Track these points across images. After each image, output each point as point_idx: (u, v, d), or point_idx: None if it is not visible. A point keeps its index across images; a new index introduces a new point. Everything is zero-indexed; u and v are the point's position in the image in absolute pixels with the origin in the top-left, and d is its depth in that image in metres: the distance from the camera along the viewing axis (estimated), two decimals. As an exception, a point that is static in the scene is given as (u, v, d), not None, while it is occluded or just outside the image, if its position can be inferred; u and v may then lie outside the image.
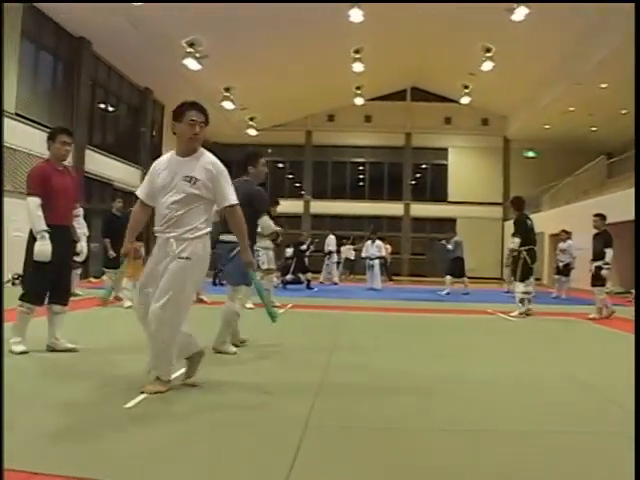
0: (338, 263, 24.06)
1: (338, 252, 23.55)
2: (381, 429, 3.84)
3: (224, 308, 6.65)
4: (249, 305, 10.97)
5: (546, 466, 3.22)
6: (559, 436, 3.79)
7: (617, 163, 26.19)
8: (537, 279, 12.73)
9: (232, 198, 4.66)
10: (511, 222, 12.69)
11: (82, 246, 7.05)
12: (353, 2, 18.83)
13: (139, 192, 4.77)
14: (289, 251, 19.51)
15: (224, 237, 6.51)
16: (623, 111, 25.12)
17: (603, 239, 11.68)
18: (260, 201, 6.77)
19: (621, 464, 3.21)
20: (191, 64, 20.89)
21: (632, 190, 18.68)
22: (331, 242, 20.31)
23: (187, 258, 4.43)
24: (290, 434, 3.53)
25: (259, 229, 7.02)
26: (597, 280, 11.67)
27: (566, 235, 18.04)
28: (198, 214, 4.52)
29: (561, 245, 18.00)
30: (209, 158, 4.67)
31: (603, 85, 22.47)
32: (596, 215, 12.09)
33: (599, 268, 11.55)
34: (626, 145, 27.22)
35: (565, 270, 17.71)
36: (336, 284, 19.27)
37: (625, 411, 4.31)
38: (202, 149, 4.69)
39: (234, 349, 6.50)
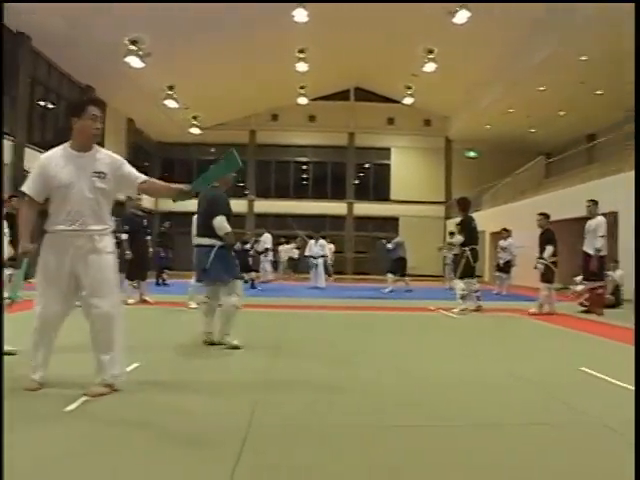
0: (275, 262, 24.07)
1: (274, 250, 23.56)
2: (322, 426, 3.91)
3: (223, 304, 6.92)
4: (193, 305, 10.98)
5: (483, 460, 3.35)
6: (502, 429, 3.94)
7: (555, 163, 26.88)
8: (478, 277, 13.02)
9: (141, 175, 4.76)
10: (453, 220, 12.96)
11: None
12: (298, 2, 18.92)
13: (29, 189, 4.53)
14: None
15: (201, 241, 6.89)
16: (561, 113, 25.85)
17: (546, 237, 12.05)
18: (216, 204, 6.94)
19: (569, 455, 3.40)
20: (133, 62, 20.62)
21: (568, 190, 19.25)
22: (267, 240, 20.33)
23: (111, 252, 4.53)
24: (232, 435, 3.57)
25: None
26: (545, 276, 11.99)
27: (507, 233, 18.46)
28: (108, 209, 4.60)
29: (502, 243, 18.41)
30: (105, 151, 4.68)
31: (541, 87, 23.04)
32: (540, 214, 12.46)
33: (553, 263, 11.92)
34: (563, 146, 28.02)
35: (506, 267, 18.14)
36: (270, 282, 19.29)
37: (569, 408, 4.49)
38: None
39: (237, 342, 6.77)
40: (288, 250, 26.53)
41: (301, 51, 24.13)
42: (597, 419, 4.12)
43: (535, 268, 12.26)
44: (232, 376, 5.46)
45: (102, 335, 4.46)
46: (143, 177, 4.74)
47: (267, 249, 20.57)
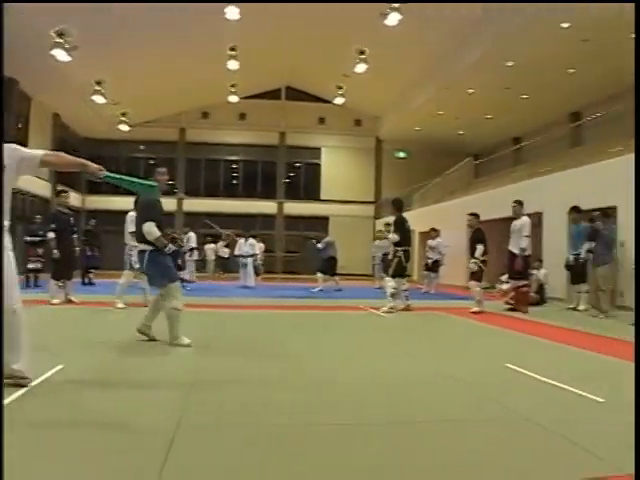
0: (200, 261, 23.79)
1: (198, 249, 23.24)
2: (254, 425, 3.86)
3: (165, 309, 6.95)
4: (120, 305, 10.78)
5: (411, 458, 3.37)
6: (431, 426, 3.97)
7: (483, 164, 27.40)
8: (408, 276, 13.17)
9: (39, 151, 4.67)
10: (382, 220, 13.09)
11: None
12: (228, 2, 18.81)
13: None
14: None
15: (138, 246, 7.02)
16: (488, 116, 26.36)
17: (477, 236, 12.25)
18: (146, 210, 7.01)
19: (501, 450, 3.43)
20: (60, 55, 20.02)
21: (495, 190, 19.65)
22: (192, 239, 20.09)
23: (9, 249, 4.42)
24: (161, 434, 3.50)
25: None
26: (475, 275, 12.19)
27: (435, 233, 18.74)
28: (7, 206, 4.48)
29: (430, 242, 18.67)
30: None
31: (470, 90, 23.45)
32: (470, 214, 12.67)
33: (483, 262, 12.11)
34: (491, 147, 28.61)
35: (434, 267, 18.41)
36: (192, 282, 19.04)
37: (497, 404, 4.55)
38: None
39: (188, 340, 6.83)
40: (216, 249, 26.32)
41: (232, 49, 23.88)
42: (525, 416, 4.17)
43: (469, 267, 12.42)
44: (161, 376, 5.35)
45: (19, 333, 4.37)
46: (40, 153, 4.62)
47: (192, 248, 20.31)
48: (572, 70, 20.40)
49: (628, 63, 18.71)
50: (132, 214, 11.07)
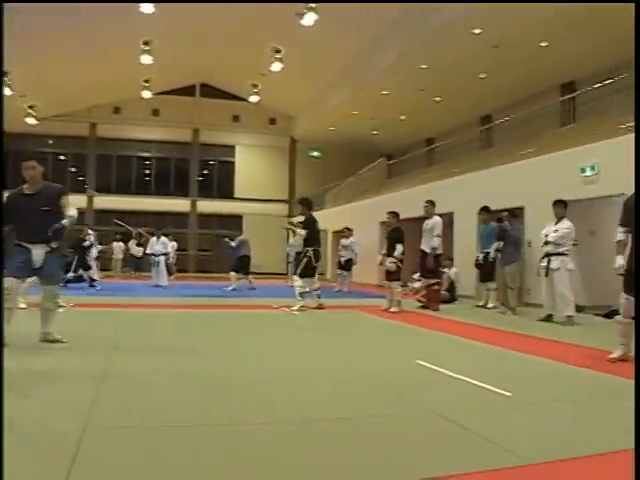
0: (97, 259, 23.02)
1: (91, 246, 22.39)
2: (158, 427, 3.77)
3: (45, 306, 6.73)
4: (22, 305, 10.36)
5: (317, 457, 3.33)
6: (343, 423, 3.92)
7: (396, 165, 27.76)
8: (321, 274, 13.19)
9: None
10: (295, 219, 13.05)
11: None
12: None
13: None
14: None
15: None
16: (402, 117, 26.74)
17: (396, 235, 12.29)
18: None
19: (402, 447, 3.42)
20: (-39, 44, 19.19)
21: (408, 190, 19.91)
22: (90, 237, 19.48)
23: None
24: (69, 436, 3.35)
25: None
26: (391, 274, 12.24)
27: (348, 232, 18.84)
28: None
29: (343, 241, 18.77)
30: None
31: (385, 91, 23.72)
32: (390, 213, 12.69)
33: (400, 261, 12.14)
34: (404, 148, 29.04)
35: (347, 265, 18.51)
36: (94, 281, 18.43)
37: (408, 400, 4.57)
38: None
39: (59, 336, 6.70)
40: (125, 248, 25.73)
41: (146, 43, 23.40)
42: (434, 411, 4.19)
43: (381, 265, 12.42)
44: (67, 378, 5.13)
45: None
46: None
47: (91, 245, 19.66)
48: (483, 75, 20.91)
49: (537, 69, 19.44)
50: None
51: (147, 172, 34.53)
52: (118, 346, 6.83)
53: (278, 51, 23.66)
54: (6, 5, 14.37)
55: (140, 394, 4.55)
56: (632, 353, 6.05)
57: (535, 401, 4.61)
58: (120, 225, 21.63)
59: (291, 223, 13.89)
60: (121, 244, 25.86)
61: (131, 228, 20.73)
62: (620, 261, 6.31)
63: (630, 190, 6.40)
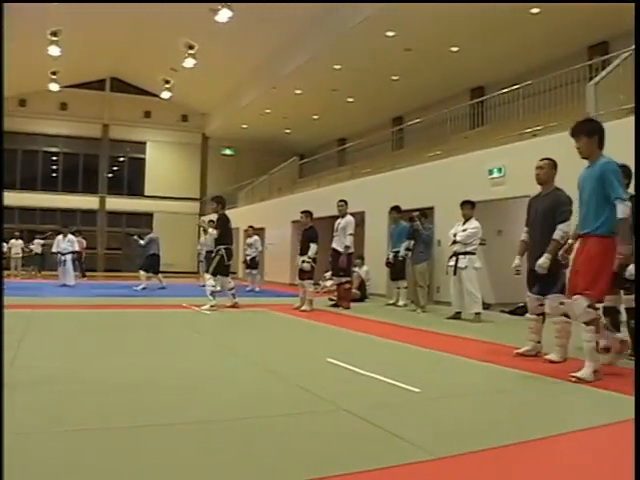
0: None
1: None
2: (74, 431, 3.65)
3: None
4: None
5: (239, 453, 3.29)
6: (249, 422, 3.89)
7: (308, 164, 27.85)
8: (233, 273, 13.11)
9: None
10: (207, 217, 12.94)
11: None
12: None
13: None
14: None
15: None
16: (315, 116, 26.89)
17: (309, 234, 12.26)
18: None
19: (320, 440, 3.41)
20: None
21: (320, 189, 20.02)
22: None
23: None
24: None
25: None
26: (304, 273, 12.19)
27: (253, 230, 18.86)
28: None
29: (248, 240, 18.75)
30: None
31: (298, 91, 23.78)
32: (303, 212, 12.66)
33: (314, 260, 12.11)
34: (317, 148, 29.21)
35: (252, 263, 18.47)
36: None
37: (316, 397, 4.55)
38: None
39: None
40: (23, 245, 24.90)
41: (54, 34, 22.66)
42: (342, 407, 4.19)
43: (300, 266, 12.36)
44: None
45: None
46: None
47: None
48: (396, 77, 21.23)
49: (447, 73, 19.88)
50: None
51: (54, 168, 33.45)
52: (22, 348, 6.58)
53: (191, 47, 23.39)
54: None
55: (47, 400, 4.39)
56: (543, 350, 6.27)
57: (442, 396, 4.69)
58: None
59: (203, 221, 13.74)
60: (20, 242, 24.92)
61: (65, 229, 19.43)
62: (517, 261, 6.59)
63: (534, 192, 6.63)
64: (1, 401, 3.18)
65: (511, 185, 11.85)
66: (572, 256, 5.70)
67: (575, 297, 5.33)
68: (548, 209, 6.29)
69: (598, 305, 5.42)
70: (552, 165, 6.49)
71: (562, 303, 6.06)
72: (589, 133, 5.44)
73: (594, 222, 5.30)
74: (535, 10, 15.36)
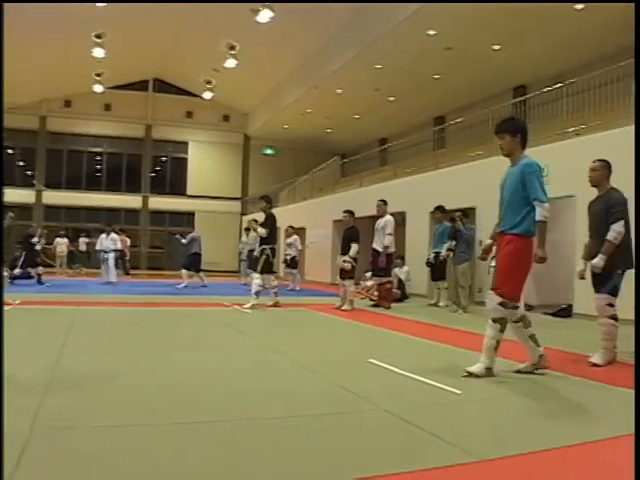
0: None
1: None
2: (115, 427, 3.69)
3: None
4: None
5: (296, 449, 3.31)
6: (296, 421, 3.91)
7: (349, 164, 27.82)
8: (275, 272, 13.20)
9: None
10: (249, 217, 13.05)
11: None
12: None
13: None
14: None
15: None
16: (356, 116, 26.85)
17: (350, 234, 12.28)
18: None
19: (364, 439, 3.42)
20: None
21: (361, 189, 20.01)
22: (37, 233, 19.00)
23: None
24: (12, 438, 3.22)
25: None
26: (345, 273, 12.21)
27: (292, 230, 18.90)
28: None
29: (288, 240, 18.80)
30: None
31: (339, 90, 23.78)
32: (345, 211, 12.70)
33: (355, 260, 12.11)
34: (358, 147, 29.15)
35: (293, 263, 18.52)
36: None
37: (361, 399, 4.53)
38: None
39: None
40: (74, 245, 25.31)
41: (98, 36, 23.01)
42: (383, 408, 4.19)
43: (341, 265, 12.36)
44: (11, 377, 5.02)
45: None
46: None
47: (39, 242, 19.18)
48: (437, 76, 21.10)
49: (489, 72, 19.70)
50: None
51: (98, 167, 33.93)
52: (67, 343, 6.71)
53: (233, 47, 23.52)
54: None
55: (88, 394, 4.47)
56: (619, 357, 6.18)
57: (484, 398, 4.66)
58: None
59: (252, 223, 13.84)
60: (65, 240, 25.31)
61: (108, 228, 19.36)
62: (581, 265, 6.55)
63: (578, 192, 6.55)
64: (1, 401, 3.22)
65: (554, 185, 11.64)
66: (491, 255, 5.76)
67: (489, 292, 5.44)
68: (602, 210, 6.25)
69: (519, 304, 5.50)
70: (605, 166, 6.44)
71: (611, 305, 6.01)
72: (513, 132, 5.59)
73: (512, 221, 5.39)
74: (579, 6, 15.12)
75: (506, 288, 5.32)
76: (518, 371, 5.63)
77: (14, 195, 25.91)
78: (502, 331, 5.38)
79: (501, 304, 5.30)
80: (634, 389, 4.32)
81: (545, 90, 14.54)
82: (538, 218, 5.25)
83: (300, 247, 18.84)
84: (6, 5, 19.35)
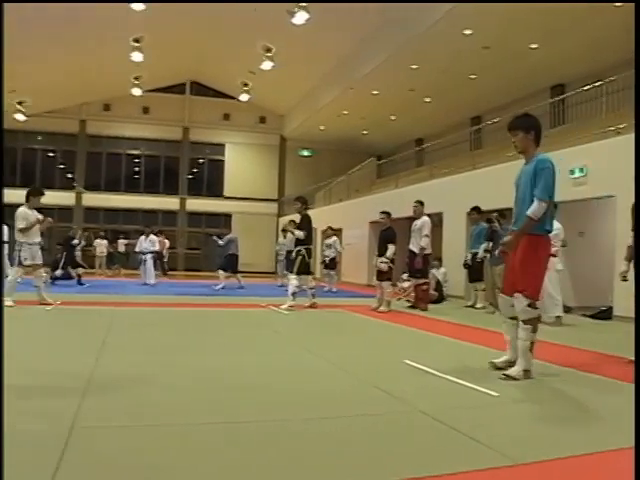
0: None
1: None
2: (153, 426, 3.74)
3: None
4: (9, 303, 10.30)
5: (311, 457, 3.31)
6: (331, 422, 3.92)
7: (385, 165, 27.77)
8: (311, 273, 13.21)
9: None
10: (286, 218, 13.11)
11: None
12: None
13: None
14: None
15: None
16: (392, 117, 26.77)
17: (387, 235, 12.26)
18: None
19: (398, 440, 3.41)
20: (-50, 38, 19.02)
21: (398, 190, 19.95)
22: (78, 234, 19.25)
23: None
24: (53, 437, 3.31)
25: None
26: (382, 274, 12.20)
27: (332, 231, 18.89)
28: None
29: (327, 241, 18.80)
30: None
31: (375, 91, 23.74)
32: (382, 212, 12.68)
33: (392, 261, 12.10)
34: (394, 148, 29.06)
35: (331, 264, 18.52)
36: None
37: (398, 401, 4.54)
38: None
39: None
40: (112, 246, 25.63)
41: (136, 40, 23.28)
42: (420, 409, 4.18)
43: (378, 266, 12.35)
44: (51, 375, 5.10)
45: None
46: None
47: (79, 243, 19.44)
48: (474, 76, 20.95)
49: (527, 71, 19.50)
50: (23, 209, 10.64)
51: (137, 170, 34.36)
52: (106, 343, 6.79)
53: (269, 50, 23.61)
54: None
55: (127, 394, 4.52)
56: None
57: (522, 400, 4.62)
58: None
59: (292, 222, 13.94)
60: (105, 241, 25.64)
61: (147, 230, 19.42)
62: (624, 267, 6.48)
63: (618, 192, 6.45)
64: (1, 401, 3.26)
65: (593, 185, 11.55)
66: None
67: (516, 295, 5.35)
68: None
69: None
70: None
71: None
72: (526, 128, 5.54)
73: None
74: (619, 3, 14.90)
75: (532, 289, 5.32)
76: (495, 366, 5.68)
77: (55, 197, 26.35)
78: (535, 331, 5.36)
79: (530, 305, 5.29)
80: (634, 389, 4.25)
81: (584, 88, 14.36)
82: (528, 213, 5.22)
83: (340, 249, 18.80)
84: (50, 15, 19.78)
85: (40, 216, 10.86)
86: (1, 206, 6.37)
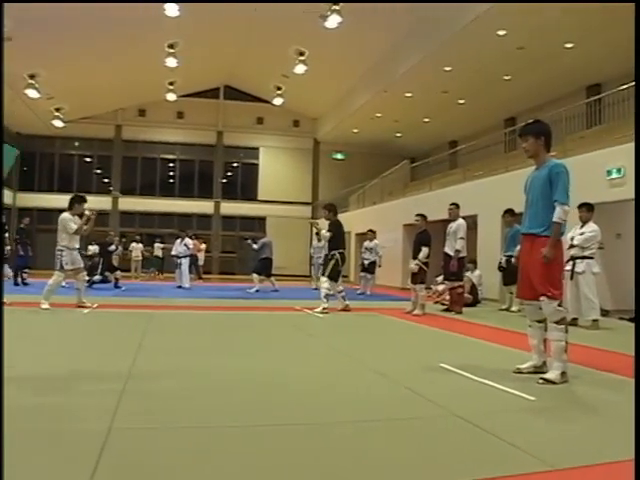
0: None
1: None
2: (189, 428, 3.76)
3: None
4: (45, 306, 10.45)
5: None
6: (364, 425, 3.90)
7: (419, 167, 27.69)
8: (344, 276, 13.22)
9: None
10: (319, 222, 13.15)
11: None
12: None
13: None
14: (91, 248, 19.08)
15: None
16: (425, 119, 26.68)
17: (422, 238, 12.24)
18: None
19: (436, 444, 3.41)
20: (-10, 46, 19.37)
21: (432, 193, 19.86)
22: (115, 239, 19.47)
23: None
24: (92, 435, 3.36)
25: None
26: (416, 277, 12.17)
27: (372, 234, 18.81)
28: None
29: (367, 244, 18.73)
30: None
31: (408, 94, 23.68)
32: (418, 215, 12.64)
33: (425, 264, 12.06)
34: (428, 151, 28.96)
35: (370, 268, 18.46)
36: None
37: (434, 404, 4.53)
38: None
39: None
40: (149, 250, 25.88)
41: (171, 46, 23.54)
42: (456, 414, 4.15)
43: (410, 268, 12.33)
44: (89, 375, 5.17)
45: None
46: None
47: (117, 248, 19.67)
48: (508, 77, 20.80)
49: (562, 71, 19.30)
50: (66, 215, 10.81)
51: (171, 174, 34.73)
52: (142, 346, 6.86)
53: (302, 53, 23.71)
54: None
55: (164, 395, 4.56)
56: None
57: (559, 405, 4.57)
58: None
59: (316, 222, 13.98)
60: (140, 245, 25.91)
61: (182, 233, 19.47)
62: None
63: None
64: (1, 401, 3.30)
65: (631, 186, 11.37)
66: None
67: (542, 299, 5.35)
68: None
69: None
70: None
71: None
72: (536, 134, 5.65)
73: (543, 223, 5.41)
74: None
75: (557, 291, 5.36)
76: (519, 371, 5.68)
77: (92, 202, 26.55)
78: (567, 331, 5.37)
79: (559, 305, 5.34)
80: (634, 389, 4.19)
81: (621, 88, 14.17)
82: (555, 219, 5.30)
83: (380, 253, 18.68)
84: (83, 25, 20.06)
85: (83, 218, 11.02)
86: (1, 206, 6.45)
